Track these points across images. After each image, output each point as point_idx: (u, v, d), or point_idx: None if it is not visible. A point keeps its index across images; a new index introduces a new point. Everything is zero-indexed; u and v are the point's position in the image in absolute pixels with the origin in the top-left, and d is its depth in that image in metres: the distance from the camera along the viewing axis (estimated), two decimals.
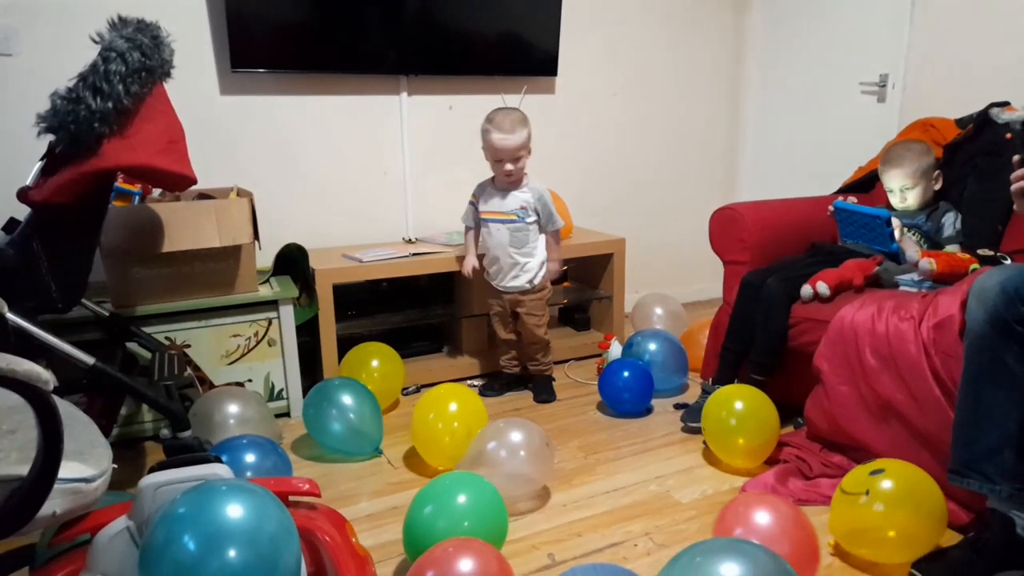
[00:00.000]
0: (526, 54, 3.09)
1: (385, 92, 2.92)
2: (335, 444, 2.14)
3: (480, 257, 2.58)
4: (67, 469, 1.06)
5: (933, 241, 2.23)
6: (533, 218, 2.47)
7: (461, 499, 1.52)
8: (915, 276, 2.07)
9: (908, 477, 1.59)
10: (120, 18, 1.73)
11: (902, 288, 2.09)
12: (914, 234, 2.24)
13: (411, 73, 2.91)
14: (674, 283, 3.73)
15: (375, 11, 2.76)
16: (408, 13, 2.82)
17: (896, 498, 1.55)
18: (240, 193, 2.44)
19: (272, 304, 2.36)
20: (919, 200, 2.25)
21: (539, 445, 1.85)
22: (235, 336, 2.32)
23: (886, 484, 1.56)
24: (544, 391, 2.60)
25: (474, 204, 2.54)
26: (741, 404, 1.99)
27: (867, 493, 1.57)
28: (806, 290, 2.13)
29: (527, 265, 2.51)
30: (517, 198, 2.47)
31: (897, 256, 2.14)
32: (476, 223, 2.56)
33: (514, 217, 2.47)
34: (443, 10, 2.87)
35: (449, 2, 2.87)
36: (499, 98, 2.61)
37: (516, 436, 1.83)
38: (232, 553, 1.07)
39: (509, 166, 2.39)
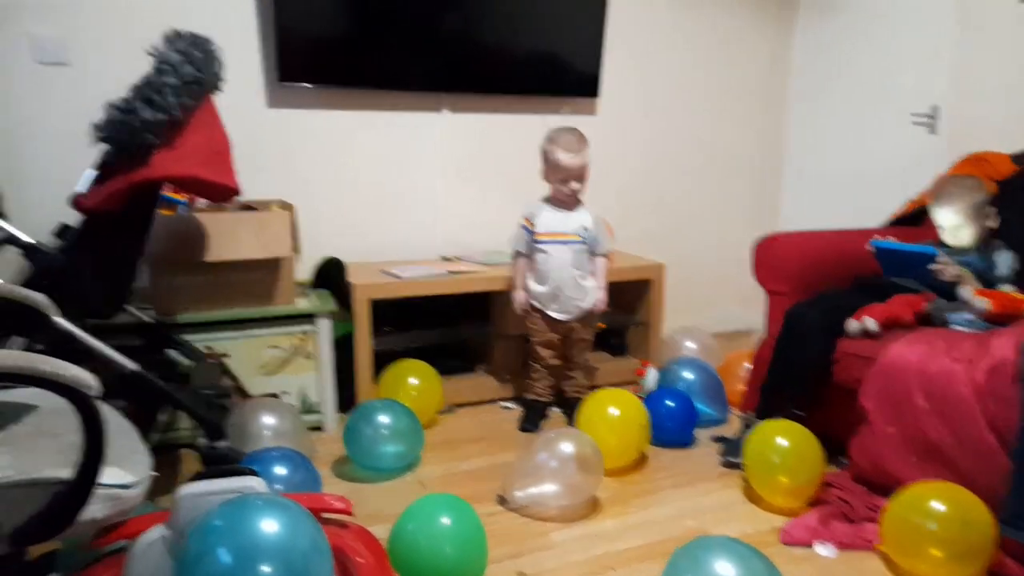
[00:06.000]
0: (567, 74, 3.09)
1: (426, 109, 2.94)
2: (374, 463, 2.14)
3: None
4: (107, 475, 1.07)
5: (985, 280, 2.15)
6: (591, 238, 2.46)
7: (444, 521, 1.57)
8: (968, 315, 2.00)
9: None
10: (175, 32, 1.77)
11: (954, 327, 2.03)
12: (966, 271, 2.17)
13: (452, 91, 2.93)
14: (712, 310, 3.68)
15: (418, 30, 2.78)
16: (451, 32, 2.84)
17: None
18: (282, 205, 2.46)
19: (310, 317, 2.36)
20: (972, 238, 2.18)
21: (590, 454, 1.92)
22: (273, 348, 2.33)
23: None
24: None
25: (527, 228, 2.47)
26: (785, 441, 1.92)
27: None
28: (853, 325, 2.07)
29: (589, 287, 2.49)
30: (578, 218, 2.45)
31: (949, 291, 2.07)
32: (528, 249, 2.48)
33: (577, 237, 2.44)
34: (485, 30, 2.89)
35: (491, 22, 2.89)
36: (539, 118, 2.62)
37: (567, 447, 1.91)
38: (265, 569, 1.05)
39: (575, 184, 2.38)
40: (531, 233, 2.45)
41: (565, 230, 2.44)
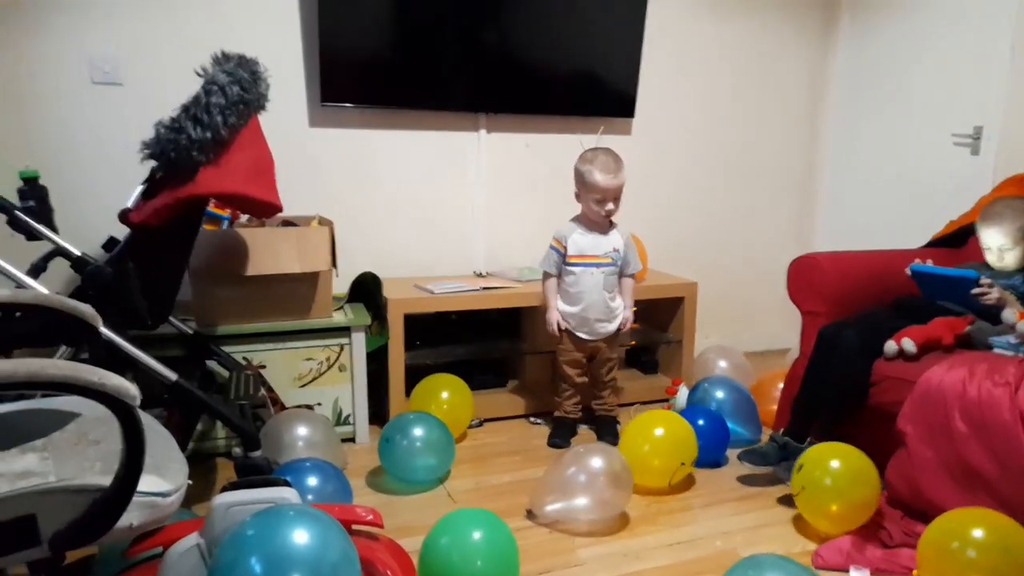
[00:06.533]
0: (604, 95, 3.10)
1: (464, 128, 2.98)
2: (408, 476, 2.16)
3: None
4: (145, 483, 1.10)
5: None
6: (622, 260, 2.47)
7: (476, 536, 1.56)
8: (1011, 339, 1.95)
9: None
10: (223, 53, 1.83)
11: (996, 351, 1.98)
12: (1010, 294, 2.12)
13: (490, 111, 2.97)
14: (745, 329, 3.64)
15: (457, 51, 2.83)
16: (489, 53, 2.88)
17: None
18: (321, 221, 2.51)
19: (345, 331, 2.40)
20: (1018, 261, 2.13)
21: (619, 470, 1.93)
22: (308, 360, 2.37)
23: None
24: (609, 432, 2.55)
25: (558, 250, 2.46)
26: (838, 463, 1.85)
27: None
28: (890, 346, 2.03)
29: (617, 309, 2.49)
30: (610, 240, 2.45)
31: (992, 314, 2.03)
32: (559, 270, 2.49)
33: (609, 260, 2.44)
34: (523, 51, 2.93)
35: (529, 43, 2.92)
36: (575, 138, 2.64)
37: (596, 462, 1.92)
38: None
39: (611, 206, 2.38)
40: (562, 255, 2.45)
41: (596, 252, 2.44)
